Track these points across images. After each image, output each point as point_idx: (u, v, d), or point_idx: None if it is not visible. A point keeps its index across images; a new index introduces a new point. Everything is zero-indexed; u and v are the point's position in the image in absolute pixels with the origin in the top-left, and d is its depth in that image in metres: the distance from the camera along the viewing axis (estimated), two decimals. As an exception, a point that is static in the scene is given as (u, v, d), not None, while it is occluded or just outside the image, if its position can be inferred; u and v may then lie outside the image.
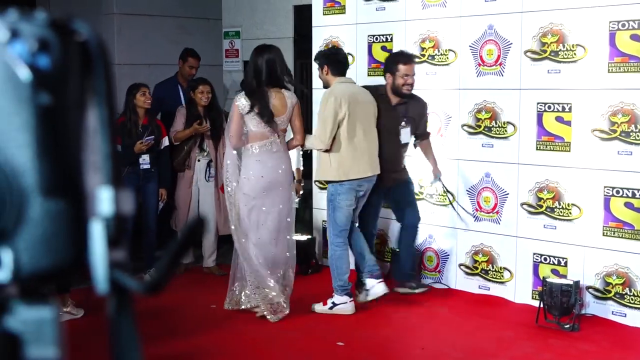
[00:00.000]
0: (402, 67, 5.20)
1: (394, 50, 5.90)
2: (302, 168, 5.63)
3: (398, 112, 5.28)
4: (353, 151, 5.06)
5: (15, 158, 0.62)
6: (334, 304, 5.17)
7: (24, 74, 0.62)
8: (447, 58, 5.65)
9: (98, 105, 0.66)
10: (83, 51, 0.66)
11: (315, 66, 5.48)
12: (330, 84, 5.15)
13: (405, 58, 5.22)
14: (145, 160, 5.75)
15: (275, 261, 4.97)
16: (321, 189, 6.51)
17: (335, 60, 5.17)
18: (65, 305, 4.94)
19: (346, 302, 5.15)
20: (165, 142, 5.94)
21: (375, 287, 5.16)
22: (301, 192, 5.60)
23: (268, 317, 4.94)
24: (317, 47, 6.45)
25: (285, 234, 5.01)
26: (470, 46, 5.52)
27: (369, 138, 5.14)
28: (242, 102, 4.86)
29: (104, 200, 0.65)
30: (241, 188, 4.93)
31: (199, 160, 6.04)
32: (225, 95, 7.81)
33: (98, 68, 0.66)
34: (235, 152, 5.00)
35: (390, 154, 5.24)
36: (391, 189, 5.36)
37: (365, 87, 5.34)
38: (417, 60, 5.46)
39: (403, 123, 5.28)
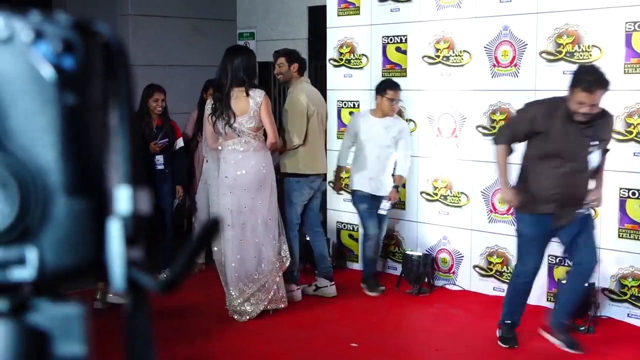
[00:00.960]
0: (580, 94, 4.09)
1: (409, 51, 5.90)
2: (404, 175, 5.61)
3: (584, 133, 4.23)
4: (314, 148, 5.43)
5: (40, 157, 0.63)
6: (318, 287, 5.55)
7: (49, 74, 0.63)
8: (462, 59, 5.64)
9: (119, 106, 0.68)
10: (105, 52, 0.67)
11: (281, 63, 5.51)
12: (293, 81, 5.46)
13: (588, 84, 4.06)
14: (159, 161, 5.81)
15: (248, 265, 4.99)
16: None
17: (302, 60, 5.56)
18: (105, 294, 5.21)
19: (330, 285, 5.60)
20: (180, 143, 5.98)
21: (328, 288, 5.56)
22: (392, 202, 5.59)
23: (235, 317, 5.03)
24: (331, 48, 6.46)
25: (264, 237, 5.01)
26: (485, 47, 5.51)
27: (322, 137, 5.60)
28: (209, 104, 5.02)
29: (123, 199, 0.66)
30: (218, 185, 5.06)
31: (206, 161, 6.08)
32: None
33: (119, 69, 0.67)
34: (213, 152, 5.21)
35: (579, 185, 4.30)
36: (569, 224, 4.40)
37: (543, 100, 4.46)
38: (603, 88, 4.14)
39: (592, 145, 4.27)
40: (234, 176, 4.93)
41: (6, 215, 0.63)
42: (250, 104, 4.92)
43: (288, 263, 5.17)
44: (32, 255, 0.64)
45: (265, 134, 5.00)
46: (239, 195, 4.94)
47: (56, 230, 0.63)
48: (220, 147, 5.02)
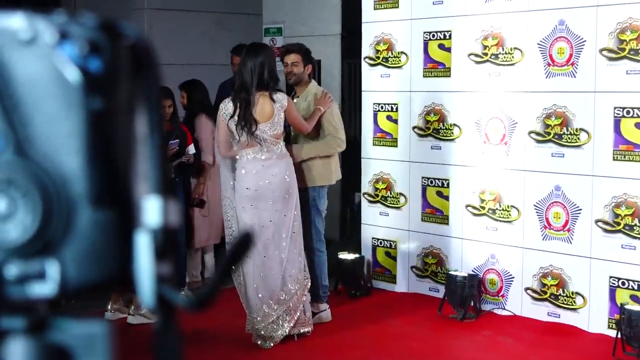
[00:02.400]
0: None
1: (453, 49, 5.91)
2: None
3: None
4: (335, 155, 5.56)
5: (63, 165, 0.66)
6: (314, 313, 5.41)
7: (74, 77, 0.66)
8: (513, 57, 5.63)
9: (148, 111, 0.70)
10: (132, 54, 0.70)
11: (296, 62, 5.49)
12: (303, 85, 5.48)
13: None
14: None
15: (273, 284, 5.01)
16: (371, 202, 6.53)
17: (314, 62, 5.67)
18: (139, 309, 5.39)
19: (326, 310, 5.54)
20: (192, 149, 6.06)
21: (325, 312, 5.54)
22: None
23: (258, 342, 5.04)
24: (367, 45, 6.49)
25: (289, 252, 5.03)
26: (538, 44, 5.49)
27: None
28: (226, 107, 5.01)
29: (152, 210, 0.68)
30: (235, 197, 5.07)
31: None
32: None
33: (148, 72, 0.70)
34: (228, 161, 5.19)
35: None
36: None
37: None
38: None
39: None
40: (256, 187, 4.95)
41: (27, 227, 0.66)
42: (274, 110, 4.97)
43: (309, 282, 5.19)
44: (53, 269, 0.67)
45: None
46: (262, 208, 4.96)
47: (80, 242, 0.66)
48: (237, 156, 5.05)
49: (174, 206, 0.68)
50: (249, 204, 4.97)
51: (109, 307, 5.48)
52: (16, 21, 0.66)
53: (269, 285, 5.01)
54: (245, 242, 0.76)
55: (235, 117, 4.93)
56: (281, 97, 5.01)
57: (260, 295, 5.00)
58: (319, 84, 6.82)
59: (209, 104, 6.50)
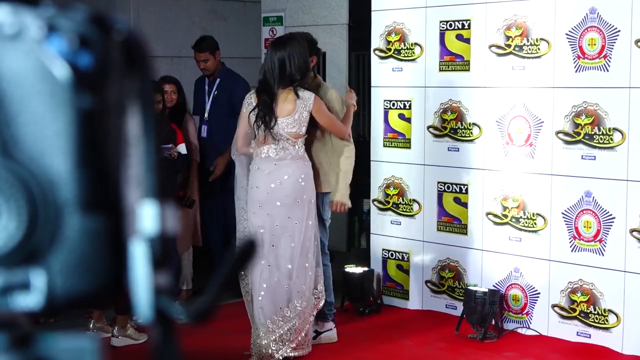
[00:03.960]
0: None
1: (473, 39, 5.92)
2: None
3: None
4: None
5: (51, 168, 0.68)
6: (318, 333, 5.45)
7: (63, 73, 0.68)
8: (539, 49, 5.65)
9: (141, 110, 0.72)
10: (124, 49, 0.72)
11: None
12: (310, 79, 5.42)
13: None
14: None
15: (278, 298, 5.04)
16: (381, 209, 6.55)
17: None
18: (124, 329, 5.41)
19: (332, 329, 5.55)
20: (183, 149, 6.15)
21: (331, 332, 5.55)
22: None
23: None
24: (377, 35, 6.51)
25: (298, 264, 5.06)
26: (567, 34, 5.51)
27: None
28: (250, 99, 5.15)
29: (147, 217, 0.70)
30: (246, 198, 5.16)
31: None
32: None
33: (141, 69, 0.72)
34: (242, 157, 5.29)
35: None
36: None
37: None
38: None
39: None
40: (267, 189, 5.01)
41: (11, 234, 0.68)
42: (297, 106, 5.04)
43: (323, 302, 5.22)
44: (39, 280, 0.69)
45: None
46: (272, 212, 5.02)
47: (68, 251, 0.68)
48: (253, 153, 5.14)
49: (170, 212, 0.70)
50: (258, 206, 5.04)
51: (91, 325, 5.51)
52: (0, 14, 0.69)
53: (274, 298, 5.04)
54: (248, 251, 0.78)
55: (256, 110, 5.06)
56: (307, 96, 5.08)
57: (260, 308, 5.03)
58: (324, 78, 6.85)
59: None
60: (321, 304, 5.20)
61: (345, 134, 5.30)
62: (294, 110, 5.03)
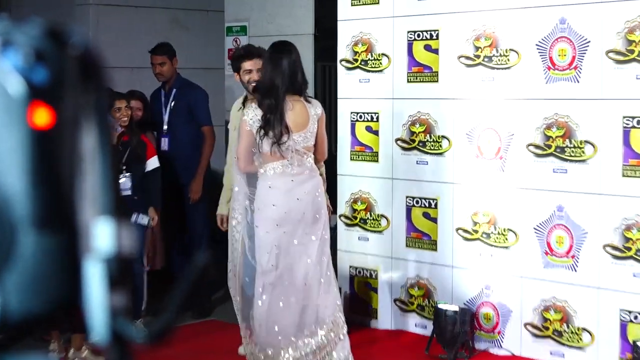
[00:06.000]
0: None
1: (441, 50, 5.98)
2: None
3: None
4: None
5: (4, 186, 0.69)
6: None
7: (18, 88, 0.69)
8: (508, 60, 5.71)
9: (96, 126, 0.73)
10: (80, 64, 0.73)
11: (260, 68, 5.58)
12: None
13: None
14: (125, 185, 5.81)
15: (301, 321, 4.98)
16: (348, 225, 6.57)
17: None
18: (80, 350, 5.35)
19: None
20: (154, 163, 6.08)
21: None
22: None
23: None
24: (343, 46, 6.55)
25: (316, 283, 5.02)
26: (537, 45, 5.57)
27: None
28: (252, 114, 4.96)
29: (103, 234, 0.71)
30: (254, 221, 5.04)
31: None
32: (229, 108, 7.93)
33: (96, 84, 0.73)
34: (244, 176, 5.16)
35: None
36: None
37: None
38: None
39: None
40: (286, 207, 4.92)
41: (-37, 253, 0.68)
42: (309, 118, 5.01)
43: (345, 325, 5.13)
44: (-8, 300, 0.69)
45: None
46: (290, 229, 4.92)
47: (23, 270, 0.68)
48: (260, 170, 4.99)
49: (127, 230, 0.71)
50: (274, 225, 4.93)
51: (50, 347, 5.45)
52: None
53: (294, 319, 4.96)
54: (202, 273, 0.79)
55: (267, 126, 4.90)
56: (316, 104, 5.08)
57: (276, 329, 4.93)
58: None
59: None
60: (345, 329, 5.09)
61: (325, 153, 5.23)
62: (307, 123, 4.99)
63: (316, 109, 5.06)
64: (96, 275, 0.69)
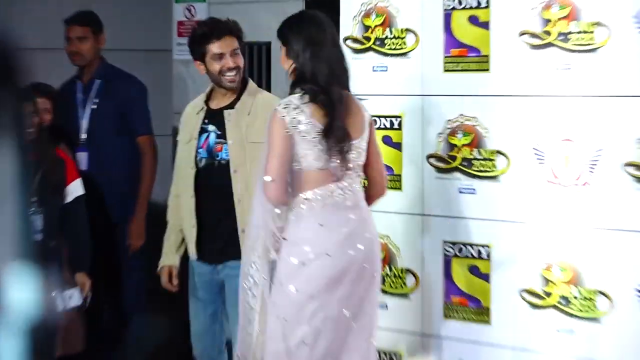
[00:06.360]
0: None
1: (493, 24, 6.02)
2: None
3: None
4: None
5: None
6: None
7: None
8: (593, 38, 5.70)
9: (9, 136, 0.78)
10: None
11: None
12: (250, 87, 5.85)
13: None
14: (34, 227, 5.68)
15: None
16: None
17: None
18: None
19: None
20: (76, 189, 6.08)
21: None
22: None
23: None
24: (348, 17, 6.55)
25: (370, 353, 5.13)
26: (636, 17, 5.60)
27: None
28: (289, 113, 4.90)
29: (22, 302, 0.75)
30: (287, 279, 4.91)
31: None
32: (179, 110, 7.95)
33: (11, 83, 0.78)
34: (272, 209, 4.90)
35: None
36: None
37: None
38: None
39: None
40: (344, 260, 4.88)
41: None
42: (364, 121, 5.10)
43: None
44: None
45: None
46: (342, 294, 4.91)
47: None
48: (301, 197, 4.91)
49: (56, 295, 0.75)
50: (324, 285, 4.87)
51: None
52: None
53: None
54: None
55: (314, 127, 4.91)
56: (364, 105, 5.22)
57: None
58: (269, 82, 6.91)
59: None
60: None
61: (384, 183, 5.39)
62: (362, 129, 5.07)
63: (367, 112, 5.18)
64: (10, 352, 0.71)
